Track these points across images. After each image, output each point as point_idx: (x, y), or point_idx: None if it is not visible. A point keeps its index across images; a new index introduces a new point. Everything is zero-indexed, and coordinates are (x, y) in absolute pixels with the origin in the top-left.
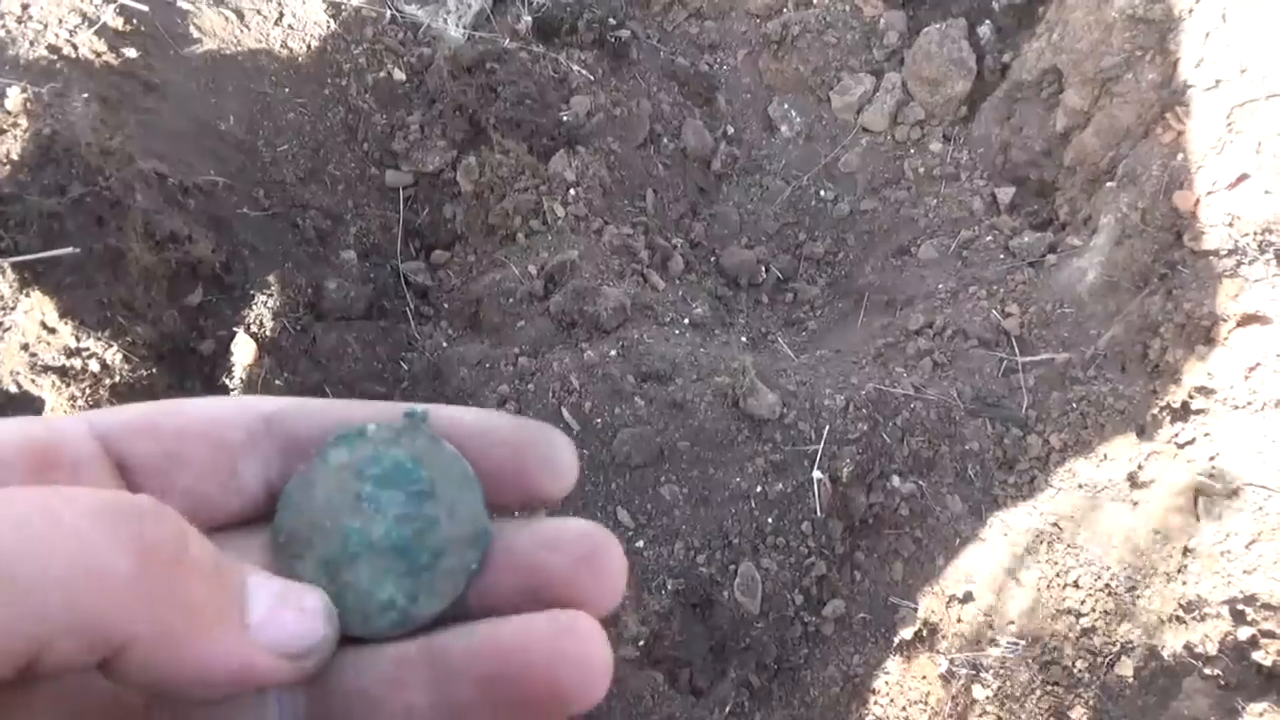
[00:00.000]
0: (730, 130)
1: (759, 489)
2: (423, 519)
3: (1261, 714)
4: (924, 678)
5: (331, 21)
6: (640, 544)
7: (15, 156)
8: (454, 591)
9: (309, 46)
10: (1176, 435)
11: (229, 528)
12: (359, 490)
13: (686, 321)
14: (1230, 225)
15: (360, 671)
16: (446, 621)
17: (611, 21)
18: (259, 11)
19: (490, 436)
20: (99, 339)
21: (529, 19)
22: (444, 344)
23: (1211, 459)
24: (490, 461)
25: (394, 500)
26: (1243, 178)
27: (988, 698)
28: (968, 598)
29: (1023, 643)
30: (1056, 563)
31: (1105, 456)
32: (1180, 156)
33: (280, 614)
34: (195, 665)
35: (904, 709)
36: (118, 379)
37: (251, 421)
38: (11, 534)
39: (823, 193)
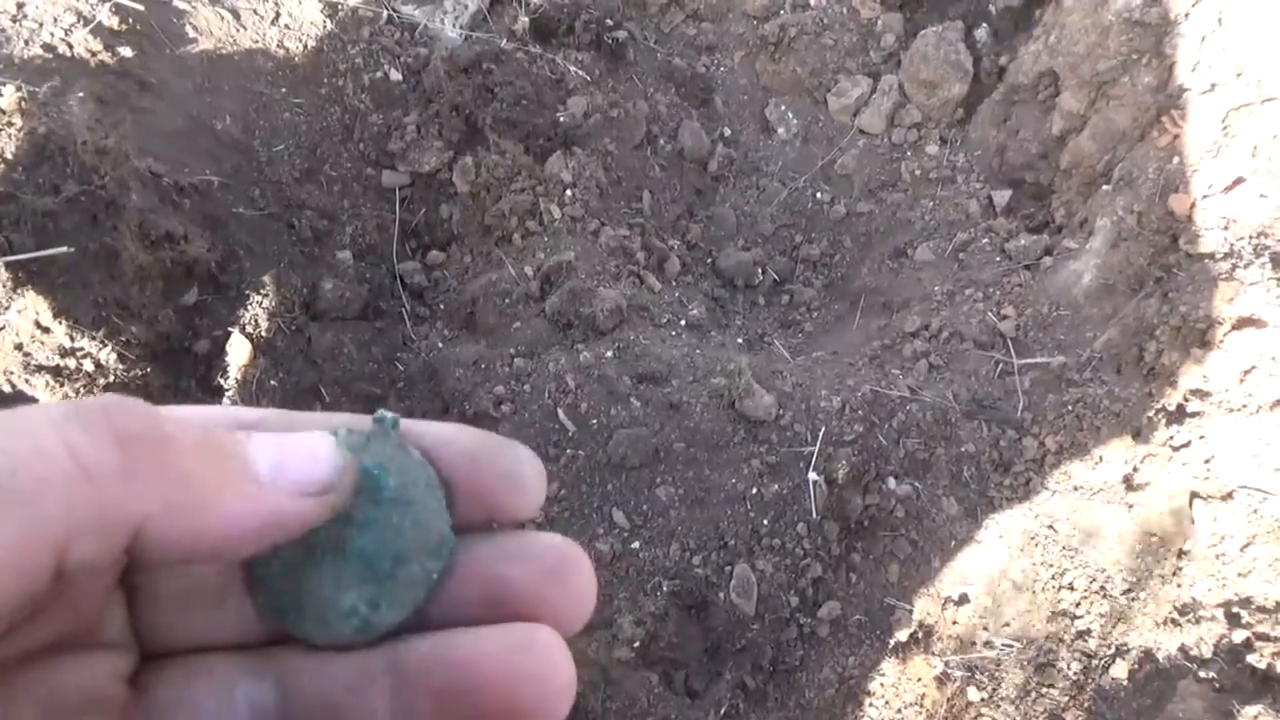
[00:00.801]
0: (727, 132)
1: (755, 490)
2: (386, 527)
3: (1256, 717)
4: (919, 680)
5: (328, 21)
6: (636, 545)
7: (10, 155)
8: (415, 601)
9: (305, 46)
10: (1172, 438)
11: None
12: None
13: (683, 323)
14: (1226, 229)
15: (322, 677)
16: (409, 630)
17: (609, 22)
18: (255, 11)
19: (453, 448)
20: (93, 338)
21: (526, 20)
22: (439, 344)
23: (1207, 462)
24: (454, 474)
25: (358, 506)
26: (1238, 181)
27: (983, 700)
28: (963, 600)
29: (1018, 645)
30: (1051, 565)
31: (1100, 459)
32: (1176, 160)
33: (289, 459)
34: (219, 526)
35: (899, 711)
36: (112, 379)
37: (230, 429)
38: None
39: (819, 195)
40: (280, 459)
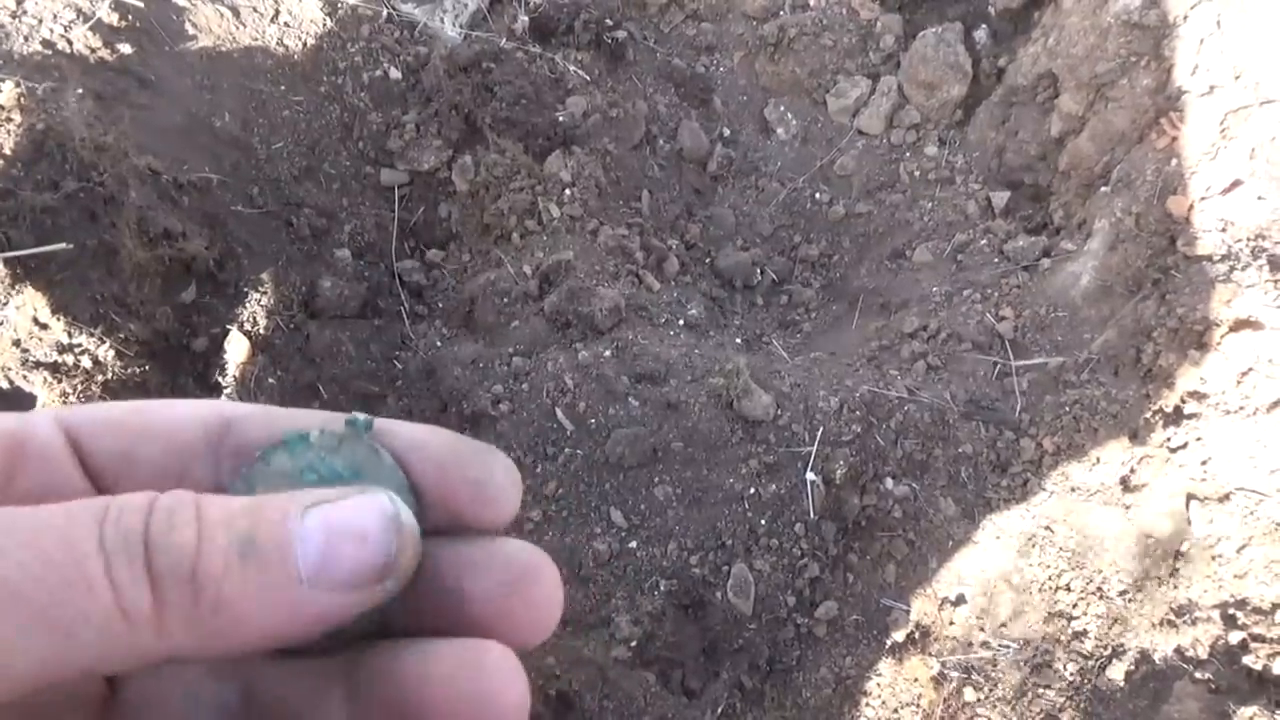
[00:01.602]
0: (726, 132)
1: (752, 490)
2: None
3: (1252, 718)
4: (916, 680)
5: (328, 19)
6: (633, 544)
7: (9, 151)
8: (380, 604)
9: (305, 44)
10: (1169, 439)
11: None
12: None
13: (681, 323)
14: (1223, 231)
15: (283, 682)
16: (372, 636)
17: (608, 22)
18: (255, 9)
19: (424, 453)
20: (91, 335)
21: (525, 19)
22: (438, 343)
23: (1204, 464)
24: (424, 480)
25: None
26: (1236, 184)
27: (979, 700)
28: (960, 600)
29: (1014, 646)
30: (1049, 566)
31: (1098, 460)
32: (1174, 162)
33: (337, 550)
34: (257, 640)
35: (895, 711)
36: (110, 376)
37: (210, 425)
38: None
39: (818, 195)
40: (326, 550)
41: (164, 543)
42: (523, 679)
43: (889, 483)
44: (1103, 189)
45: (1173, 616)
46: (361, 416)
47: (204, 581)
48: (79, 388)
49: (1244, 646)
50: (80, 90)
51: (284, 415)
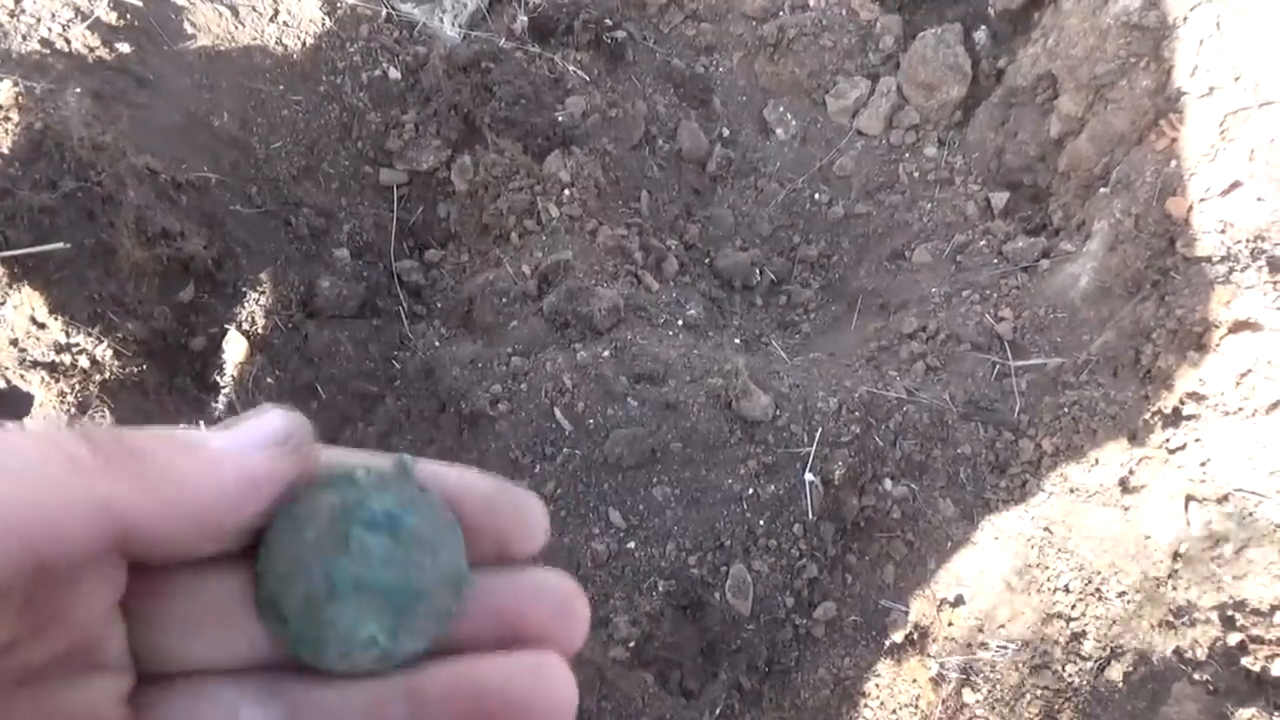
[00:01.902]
0: (726, 132)
1: (751, 491)
2: (408, 563)
3: (1250, 719)
4: (914, 681)
5: (327, 19)
6: (632, 545)
7: (6, 150)
8: (435, 632)
9: (304, 44)
10: (1168, 441)
11: (209, 564)
12: (347, 532)
13: (680, 323)
14: (1223, 232)
15: (336, 702)
16: (424, 660)
17: (608, 22)
18: (254, 8)
19: (471, 494)
20: (89, 335)
21: (525, 19)
22: (436, 343)
23: (1202, 465)
24: (470, 515)
25: (381, 544)
26: (1235, 185)
27: (978, 701)
28: (959, 601)
29: (1013, 646)
30: (1047, 567)
31: (1097, 461)
32: (1174, 163)
33: (240, 426)
34: (196, 496)
35: (894, 712)
36: (108, 375)
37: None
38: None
39: (817, 196)
40: (231, 430)
41: (92, 427)
42: (575, 682)
43: (888, 483)
44: (1102, 190)
45: (1171, 618)
46: (408, 456)
47: (136, 442)
48: (76, 387)
49: (1242, 648)
50: (78, 89)
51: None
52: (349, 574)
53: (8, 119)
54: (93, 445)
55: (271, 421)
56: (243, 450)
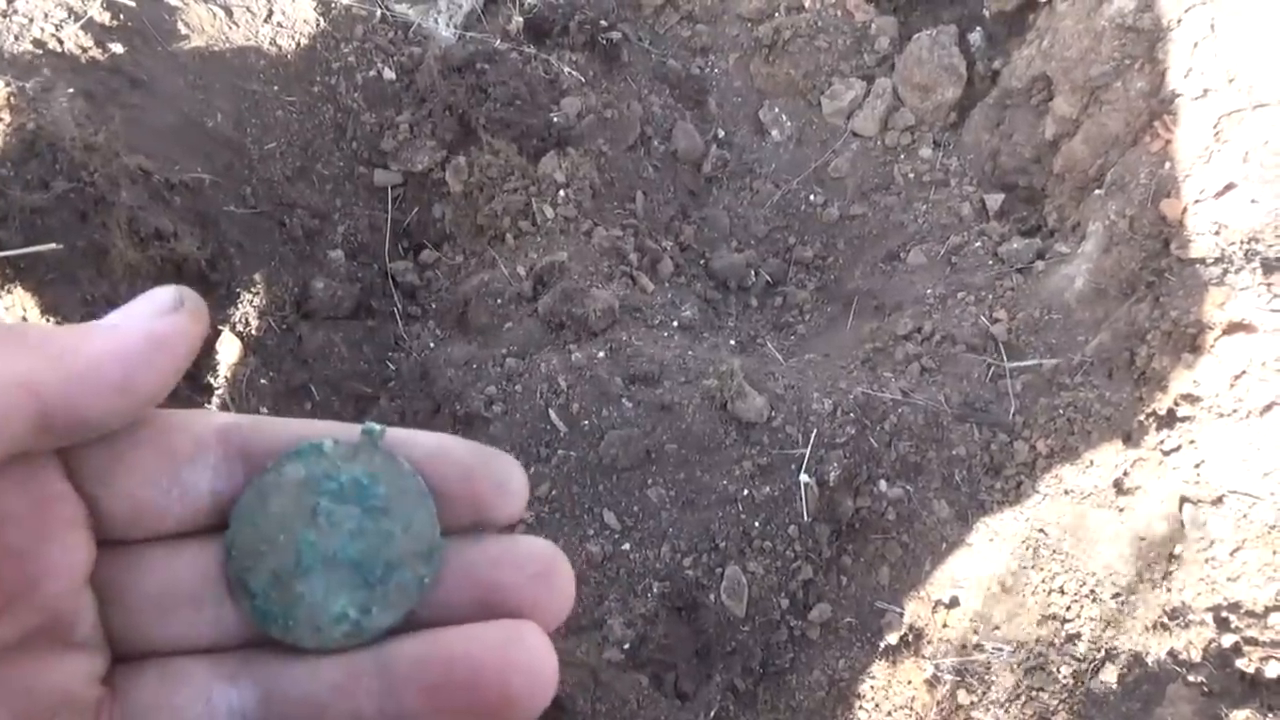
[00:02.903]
0: (721, 134)
1: (746, 492)
2: (378, 534)
3: None
4: (909, 682)
5: (321, 19)
6: (626, 546)
7: None
8: (407, 604)
9: (298, 44)
10: (1162, 442)
11: (182, 537)
12: (314, 504)
13: (675, 324)
14: (1217, 234)
15: (306, 679)
16: (398, 633)
17: (603, 23)
18: (248, 8)
19: (446, 458)
20: None
21: (520, 20)
22: (431, 344)
23: (1197, 466)
24: (444, 483)
25: (349, 515)
26: (1230, 187)
27: (973, 703)
28: (954, 603)
29: (1008, 648)
30: (1042, 569)
31: (1091, 463)
32: (1168, 165)
33: (129, 304)
34: (106, 366)
35: (889, 714)
36: None
37: (201, 431)
38: None
39: (812, 197)
40: (123, 307)
41: None
42: (554, 652)
43: (883, 485)
44: (1096, 192)
45: (1166, 619)
46: (376, 425)
47: (37, 330)
48: None
49: (1237, 650)
50: (71, 90)
51: (279, 422)
52: (317, 547)
53: (0, 120)
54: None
55: (162, 292)
56: (141, 316)
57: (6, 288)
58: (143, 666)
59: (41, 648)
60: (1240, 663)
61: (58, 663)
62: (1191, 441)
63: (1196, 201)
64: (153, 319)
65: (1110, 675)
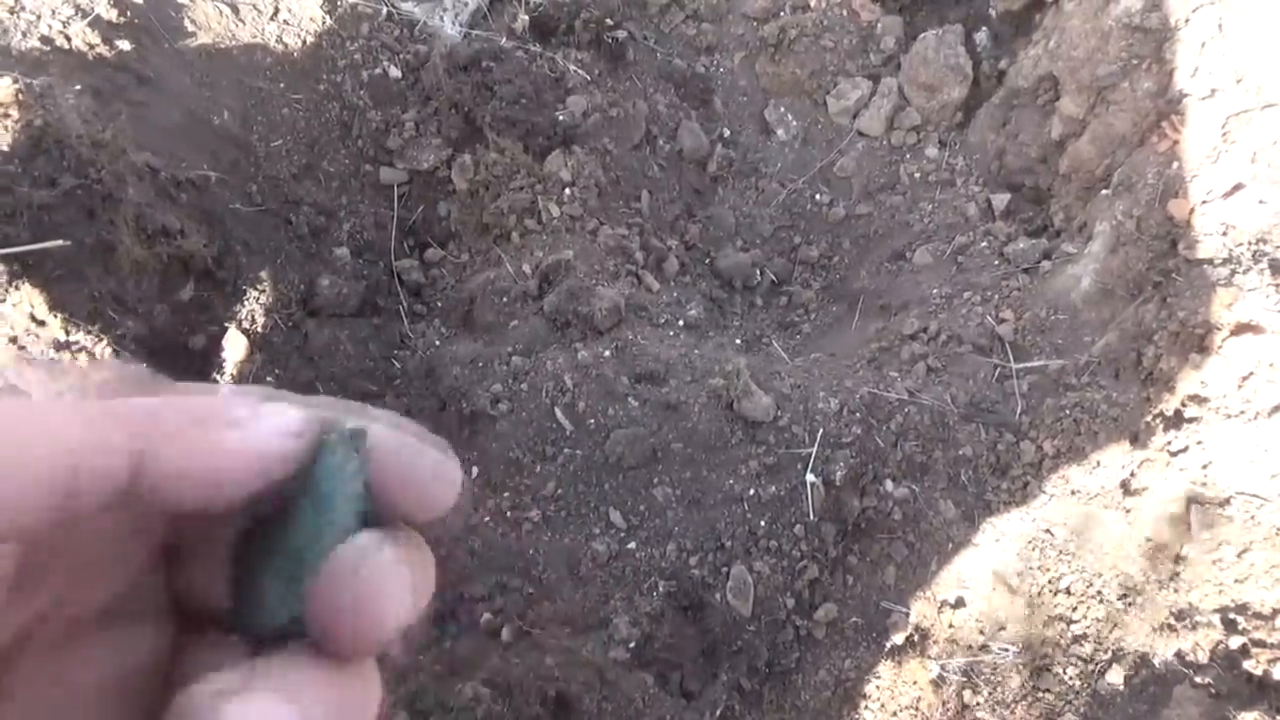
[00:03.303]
0: (726, 133)
1: (752, 491)
2: (331, 533)
3: None
4: (915, 683)
5: (327, 17)
6: (632, 545)
7: (6, 148)
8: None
9: (304, 42)
10: (1170, 443)
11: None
12: (294, 504)
13: (681, 323)
14: (1225, 234)
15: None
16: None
17: (609, 22)
18: (254, 6)
19: (380, 450)
20: (89, 333)
21: (526, 18)
22: (437, 342)
23: (1204, 467)
24: (381, 475)
25: (309, 516)
26: (1237, 187)
27: (979, 703)
28: (960, 603)
29: (1014, 649)
30: (1049, 569)
31: (1098, 463)
32: (1175, 165)
33: (263, 408)
34: (212, 457)
35: (895, 714)
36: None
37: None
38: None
39: (818, 196)
40: (254, 406)
41: (110, 367)
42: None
43: (889, 485)
44: (1103, 192)
45: (1173, 621)
46: (359, 430)
47: (159, 390)
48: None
49: (1244, 651)
50: (78, 86)
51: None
52: (275, 540)
53: (7, 116)
54: (108, 392)
55: (292, 411)
56: (265, 428)
57: (14, 284)
58: (202, 635)
59: (113, 622)
60: (1248, 664)
61: (127, 636)
62: (1199, 442)
63: (1204, 202)
64: (273, 436)
65: (1117, 676)
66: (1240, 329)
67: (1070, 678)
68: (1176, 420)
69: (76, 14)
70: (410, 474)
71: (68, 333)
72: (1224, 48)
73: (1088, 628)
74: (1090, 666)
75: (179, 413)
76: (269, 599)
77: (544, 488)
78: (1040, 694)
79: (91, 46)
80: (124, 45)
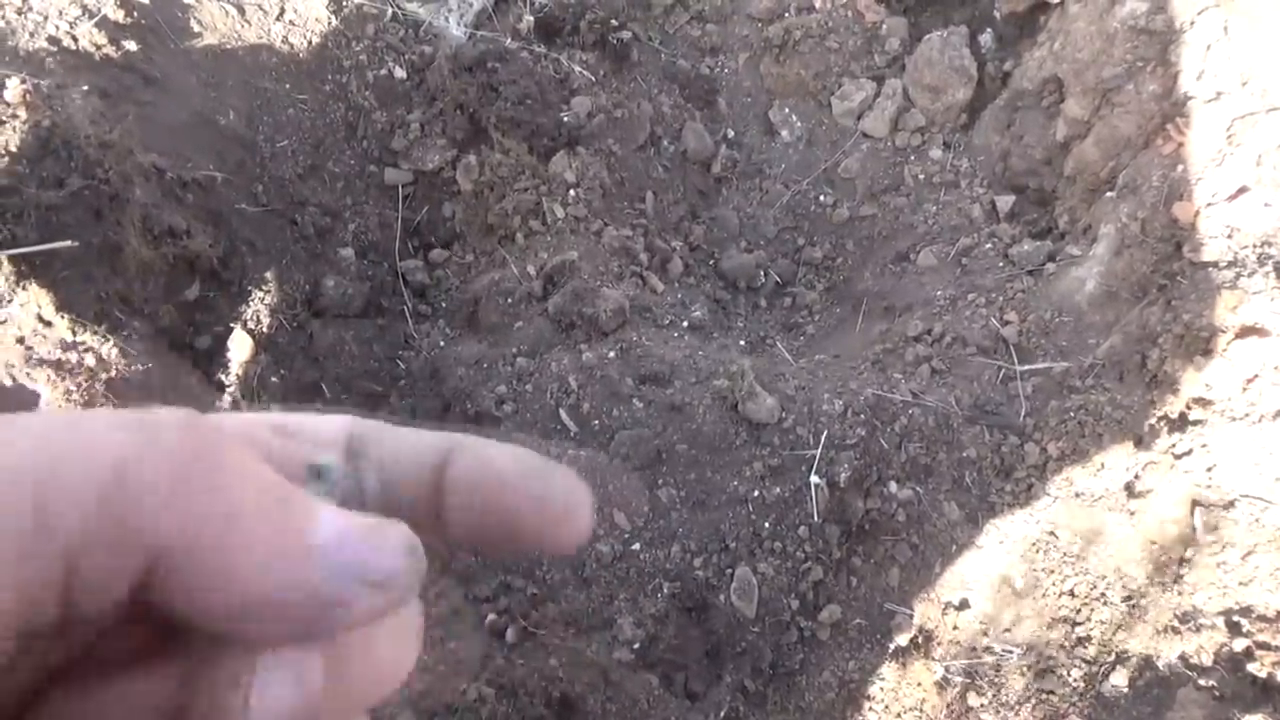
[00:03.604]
0: (730, 134)
1: (756, 493)
2: None
3: None
4: (919, 684)
5: (333, 18)
6: (637, 547)
7: (14, 148)
8: None
9: (310, 43)
10: (1174, 446)
11: None
12: None
13: (685, 324)
14: (1229, 237)
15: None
16: None
17: (613, 23)
18: (260, 7)
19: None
20: (95, 333)
21: (530, 19)
22: (441, 343)
23: (1209, 470)
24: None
25: None
26: (1242, 190)
27: (983, 705)
28: (964, 605)
29: (1018, 651)
30: (1052, 571)
31: (1102, 466)
32: (1180, 168)
33: (356, 535)
34: (243, 581)
35: (899, 715)
36: (114, 373)
37: (342, 435)
38: (34, 445)
39: (822, 198)
40: (346, 531)
41: (191, 426)
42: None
43: (893, 486)
44: (1108, 194)
45: (1177, 623)
46: (326, 466)
47: (229, 477)
48: (83, 385)
49: (1248, 654)
50: (85, 87)
51: (406, 433)
52: None
53: (15, 117)
54: (174, 459)
55: (392, 551)
56: (338, 563)
57: (22, 284)
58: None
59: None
60: (1252, 667)
61: (146, 674)
62: (1203, 445)
63: (1209, 205)
64: (348, 571)
65: (1121, 678)
66: (1245, 332)
67: (1074, 680)
68: (1181, 423)
69: (83, 15)
70: (541, 506)
71: (74, 333)
72: (1229, 51)
73: (1091, 630)
74: (1094, 668)
75: (237, 506)
76: None
77: None
78: (1044, 696)
79: (98, 47)
80: (130, 46)
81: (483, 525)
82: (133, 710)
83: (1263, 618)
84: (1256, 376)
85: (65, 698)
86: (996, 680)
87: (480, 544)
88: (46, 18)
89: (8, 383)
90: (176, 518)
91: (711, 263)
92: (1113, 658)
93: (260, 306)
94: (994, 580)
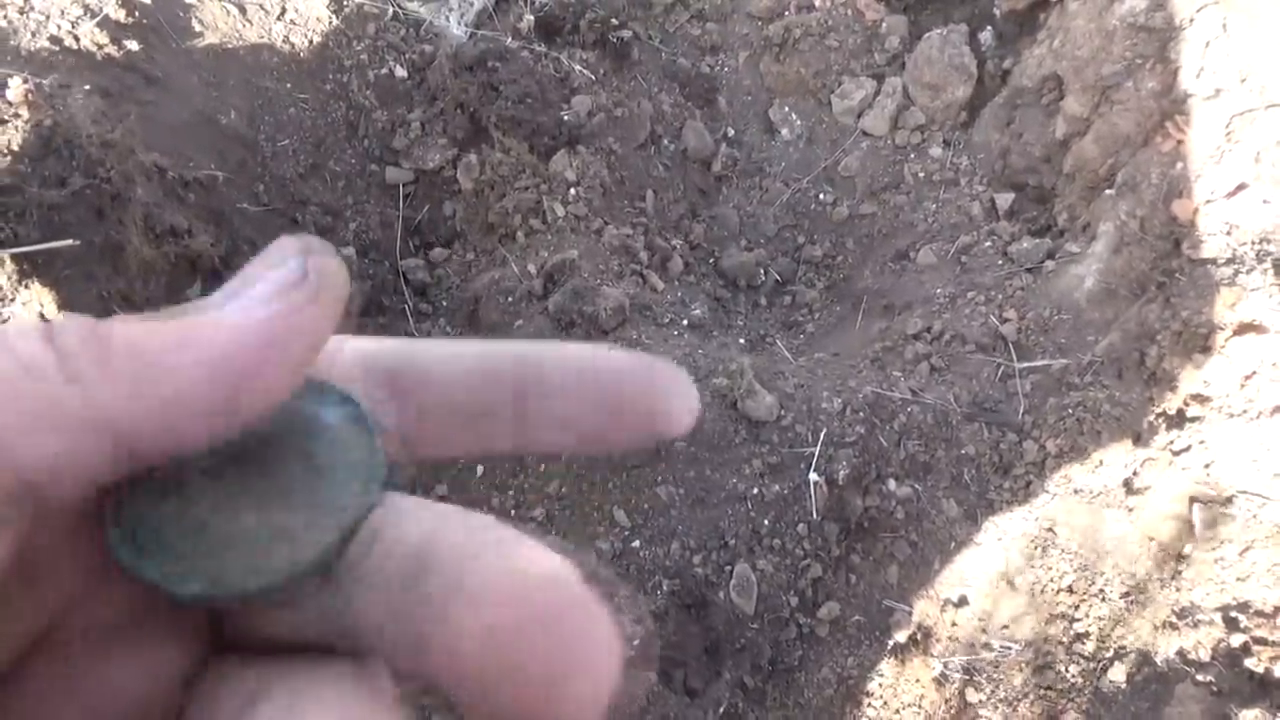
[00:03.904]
0: (731, 132)
1: (755, 490)
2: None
3: None
4: (918, 681)
5: (333, 17)
6: (636, 543)
7: (16, 148)
8: (342, 524)
9: (311, 42)
10: (1172, 442)
11: None
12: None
13: (685, 323)
14: (1228, 234)
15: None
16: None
17: (613, 22)
18: (261, 6)
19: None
20: None
21: (531, 18)
22: None
23: (1207, 467)
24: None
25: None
26: (1241, 187)
27: (981, 701)
28: (962, 601)
29: (1016, 647)
30: (1051, 567)
31: (1101, 463)
32: (1179, 165)
33: (247, 273)
34: (205, 370)
35: (897, 712)
36: None
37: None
38: None
39: (822, 196)
40: (235, 281)
41: (64, 320)
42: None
43: (892, 484)
44: (1107, 192)
45: (1175, 619)
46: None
47: (117, 333)
48: None
49: (1246, 649)
50: (87, 87)
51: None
52: (227, 473)
53: (17, 116)
54: (65, 351)
55: (286, 258)
56: (255, 300)
57: (24, 283)
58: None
59: (133, 636)
60: (1249, 662)
61: (149, 653)
62: (1201, 442)
63: (1208, 202)
64: (268, 303)
65: (1119, 674)
66: (1243, 329)
67: (1072, 675)
68: (1179, 419)
69: (85, 14)
70: (646, 390)
71: None
72: (1228, 47)
73: (1090, 626)
74: (1092, 664)
75: (140, 346)
76: (241, 558)
77: (548, 486)
78: (1042, 692)
79: (100, 47)
80: (132, 45)
81: (585, 421)
82: (115, 694)
83: (1260, 613)
84: (1255, 373)
85: (47, 672)
86: (995, 676)
87: (580, 443)
88: (48, 17)
89: None
90: (102, 377)
91: (711, 261)
92: (1111, 653)
93: None
94: (992, 577)
